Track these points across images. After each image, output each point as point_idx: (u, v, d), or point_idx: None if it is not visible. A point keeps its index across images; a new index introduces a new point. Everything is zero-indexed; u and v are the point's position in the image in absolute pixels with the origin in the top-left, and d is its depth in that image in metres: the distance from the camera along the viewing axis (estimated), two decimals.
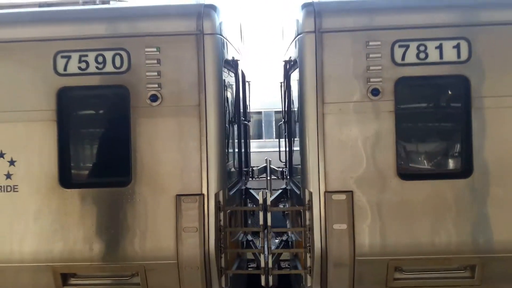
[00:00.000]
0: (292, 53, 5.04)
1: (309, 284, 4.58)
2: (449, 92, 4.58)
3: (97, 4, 5.24)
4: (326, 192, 4.38)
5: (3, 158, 4.49)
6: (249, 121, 6.92)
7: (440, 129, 4.60)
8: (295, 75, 5.05)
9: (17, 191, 4.48)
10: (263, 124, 13.51)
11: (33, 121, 4.50)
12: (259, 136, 13.36)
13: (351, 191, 4.37)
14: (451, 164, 4.58)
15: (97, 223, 4.45)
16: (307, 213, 4.47)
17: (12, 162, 4.49)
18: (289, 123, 6.00)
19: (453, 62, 4.37)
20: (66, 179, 4.50)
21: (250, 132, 7.23)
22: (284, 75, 5.73)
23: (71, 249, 4.45)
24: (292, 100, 5.66)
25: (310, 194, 4.44)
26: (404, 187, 4.37)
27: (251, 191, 5.90)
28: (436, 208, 4.38)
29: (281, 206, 5.98)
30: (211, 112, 4.45)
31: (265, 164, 7.48)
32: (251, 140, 11.79)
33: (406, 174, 4.41)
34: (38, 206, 4.48)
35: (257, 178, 7.24)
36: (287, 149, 6.29)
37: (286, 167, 6.50)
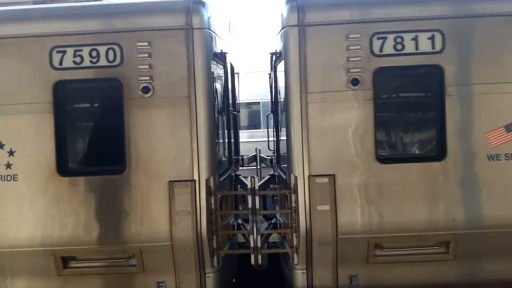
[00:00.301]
0: (278, 46, 5.28)
1: (295, 262, 4.87)
2: (424, 81, 4.83)
3: (90, 1, 5.41)
4: (310, 176, 4.66)
5: (3, 149, 4.70)
6: (238, 111, 7.15)
7: (416, 116, 4.86)
8: (281, 67, 5.28)
9: (17, 180, 4.69)
10: (261, 114, 13.70)
11: (31, 113, 4.69)
12: (257, 126, 13.54)
13: (333, 175, 4.65)
14: (426, 148, 4.86)
15: (95, 208, 4.68)
16: (293, 196, 4.74)
17: (11, 153, 4.70)
18: (276, 113, 6.26)
19: (428, 52, 4.62)
20: (63, 167, 4.71)
21: (239, 121, 7.46)
22: (271, 66, 5.97)
23: (70, 233, 4.68)
24: (279, 91, 5.91)
25: (295, 178, 4.71)
26: (382, 170, 4.65)
27: (241, 177, 6.16)
28: (412, 189, 4.66)
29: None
30: (200, 102, 4.67)
31: (255, 153, 7.72)
32: (250, 130, 11.94)
33: (384, 158, 4.69)
34: (37, 194, 4.69)
35: (247, 166, 7.48)
36: (275, 138, 6.56)
37: (274, 155, 6.77)
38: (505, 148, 4.64)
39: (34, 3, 5.51)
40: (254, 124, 13.61)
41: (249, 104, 13.37)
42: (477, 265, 4.84)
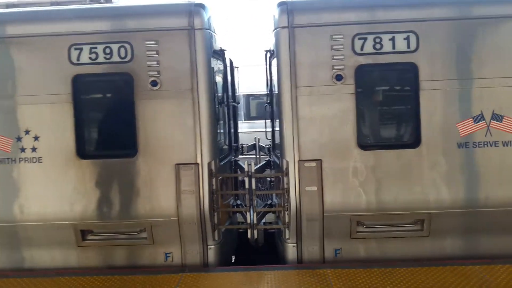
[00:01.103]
0: (271, 44, 5.83)
1: (287, 237, 5.43)
2: (401, 77, 5.34)
3: (102, 3, 5.96)
4: (299, 160, 5.21)
5: (29, 134, 5.29)
6: (238, 103, 7.70)
7: (393, 108, 5.39)
8: (274, 63, 5.81)
9: (41, 162, 5.28)
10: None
11: (53, 103, 5.26)
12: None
13: (320, 160, 5.19)
14: (402, 136, 5.37)
15: (109, 188, 5.26)
16: (285, 178, 5.29)
17: (36, 138, 5.28)
18: (272, 105, 6.79)
19: (403, 51, 5.12)
20: (82, 151, 5.29)
21: (238, 112, 8.00)
22: (266, 63, 6.52)
23: (88, 209, 5.27)
24: (274, 85, 6.46)
25: (287, 162, 5.27)
26: (363, 155, 5.19)
27: (239, 162, 6.74)
28: (390, 172, 5.20)
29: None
30: (202, 94, 5.22)
31: (254, 142, 8.25)
32: (262, 120, 12.34)
33: (365, 145, 5.23)
34: (59, 174, 5.28)
35: (247, 154, 8.00)
36: (271, 128, 7.09)
37: (271, 143, 7.33)
38: (473, 137, 5.16)
39: (52, 4, 6.02)
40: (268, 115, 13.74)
41: (261, 96, 13.70)
42: (448, 241, 5.36)
